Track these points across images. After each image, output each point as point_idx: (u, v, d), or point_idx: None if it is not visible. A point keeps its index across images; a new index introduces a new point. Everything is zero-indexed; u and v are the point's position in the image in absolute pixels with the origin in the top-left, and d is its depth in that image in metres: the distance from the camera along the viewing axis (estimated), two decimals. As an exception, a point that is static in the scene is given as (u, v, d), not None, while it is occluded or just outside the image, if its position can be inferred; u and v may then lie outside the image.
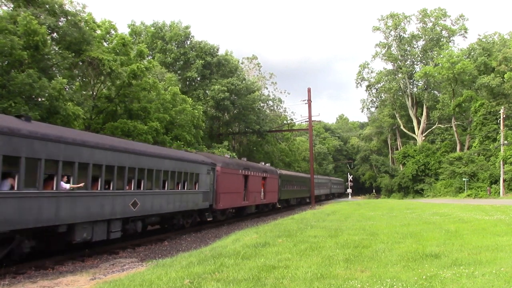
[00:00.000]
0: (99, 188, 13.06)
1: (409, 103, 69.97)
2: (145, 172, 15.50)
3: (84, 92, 25.93)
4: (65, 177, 11.66)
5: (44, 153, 10.82)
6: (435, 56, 64.15)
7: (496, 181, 50.32)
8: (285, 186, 36.95)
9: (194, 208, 19.88)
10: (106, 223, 13.61)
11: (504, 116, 50.20)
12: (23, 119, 11.07)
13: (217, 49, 47.55)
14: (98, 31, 26.46)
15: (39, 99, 18.31)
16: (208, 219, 22.25)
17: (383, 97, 76.12)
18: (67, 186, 11.65)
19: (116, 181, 13.84)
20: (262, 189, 30.39)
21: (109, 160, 13.46)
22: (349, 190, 70.68)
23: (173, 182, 17.74)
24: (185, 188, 18.87)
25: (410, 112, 70.63)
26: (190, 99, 36.10)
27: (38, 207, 10.70)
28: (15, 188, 10.08)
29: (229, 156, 28.53)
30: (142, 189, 15.34)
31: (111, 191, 13.65)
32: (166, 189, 17.13)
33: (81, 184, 12.09)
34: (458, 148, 61.80)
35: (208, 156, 23.15)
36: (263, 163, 35.78)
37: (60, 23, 21.48)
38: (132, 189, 14.77)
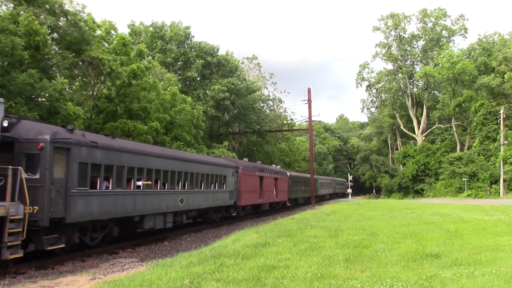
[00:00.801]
0: (159, 188, 16.71)
1: (409, 103, 69.97)
2: (188, 175, 19.16)
3: (84, 92, 25.92)
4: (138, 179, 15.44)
5: (127, 162, 14.65)
6: (435, 56, 64.15)
7: (496, 181, 50.33)
8: (294, 186, 39.77)
9: (222, 204, 23.36)
10: (163, 215, 17.26)
11: (504, 116, 50.21)
12: (111, 137, 14.94)
13: (217, 49, 47.56)
14: (98, 31, 26.46)
15: (39, 99, 18.31)
16: (233, 214, 25.61)
17: (383, 97, 76.12)
18: (140, 183, 15.41)
19: (170, 182, 17.55)
20: (274, 189, 33.34)
21: (166, 166, 17.25)
22: (349, 190, 70.70)
23: (207, 183, 21.32)
24: (216, 188, 22.46)
25: (410, 112, 70.64)
26: (190, 98, 36.10)
27: (123, 202, 14.44)
28: (110, 188, 13.76)
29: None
30: (186, 188, 18.95)
31: (167, 190, 17.29)
32: (203, 188, 20.75)
33: (149, 182, 15.82)
34: (458, 148, 61.81)
35: (232, 161, 27.30)
36: (274, 165, 39.92)
37: (60, 23, 21.48)
38: (180, 188, 18.39)
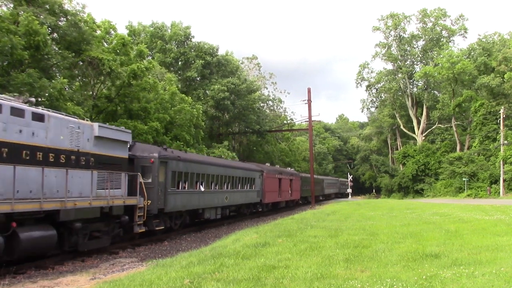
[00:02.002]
0: (213, 188, 22.07)
1: (409, 103, 69.97)
2: (230, 178, 24.53)
3: (84, 92, 25.93)
4: (199, 182, 20.61)
5: (195, 170, 19.93)
6: (435, 56, 64.14)
7: (496, 181, 50.32)
8: (305, 186, 44.29)
9: (251, 201, 28.69)
10: (215, 209, 22.61)
11: (504, 116, 50.21)
12: (184, 152, 21.30)
13: (217, 49, 47.54)
14: (98, 31, 26.44)
15: (39, 99, 18.32)
16: (259, 210, 31.05)
17: (383, 97, 76.11)
18: (202, 188, 20.65)
19: (219, 184, 22.93)
20: (290, 188, 38.13)
21: (217, 172, 22.65)
22: (349, 190, 70.71)
23: (242, 184, 26.61)
24: (248, 188, 27.72)
25: (410, 112, 70.63)
26: (190, 98, 36.11)
27: (193, 198, 19.86)
28: (186, 188, 19.09)
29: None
30: (229, 189, 24.32)
31: (218, 190, 22.66)
32: (239, 188, 25.99)
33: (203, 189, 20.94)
34: (458, 148, 61.81)
35: (258, 166, 32.27)
36: (289, 169, 45.04)
37: (60, 23, 21.47)
38: (225, 189, 23.77)
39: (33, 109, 11.20)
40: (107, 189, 13.39)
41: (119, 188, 14.22)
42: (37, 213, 10.64)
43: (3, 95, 11.16)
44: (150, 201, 15.77)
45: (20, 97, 11.75)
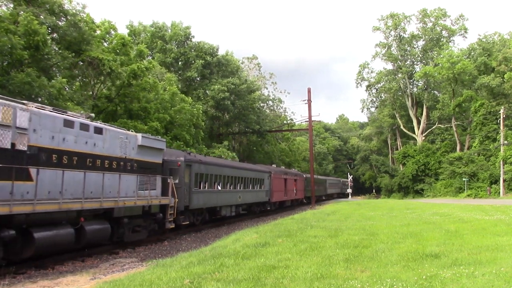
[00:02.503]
0: (228, 188, 24.30)
1: (409, 103, 69.95)
2: (243, 179, 26.75)
3: (84, 92, 25.93)
4: (217, 183, 22.95)
5: (213, 171, 22.26)
6: (435, 56, 64.12)
7: (496, 181, 50.31)
8: (308, 186, 45.44)
9: (261, 200, 31.05)
10: (230, 207, 25.00)
11: (504, 116, 50.20)
12: (204, 156, 24.25)
13: (217, 49, 47.52)
14: (98, 31, 26.42)
15: (39, 99, 18.31)
16: (268, 208, 33.47)
17: (383, 97, 76.08)
18: (219, 188, 23.03)
19: (234, 184, 25.19)
20: (295, 188, 40.17)
21: (232, 173, 24.96)
22: (349, 190, 70.74)
23: (253, 184, 28.89)
24: (258, 188, 29.96)
25: (410, 112, 70.62)
26: (190, 98, 36.10)
27: (212, 197, 22.19)
28: (206, 188, 21.34)
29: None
30: (241, 189, 26.55)
31: (232, 190, 24.90)
32: (250, 188, 28.18)
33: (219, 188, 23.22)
34: (458, 148, 61.79)
35: (267, 167, 35.11)
36: (294, 169, 48.00)
37: (60, 23, 21.46)
38: (238, 189, 26.00)
39: (95, 123, 13.39)
40: (146, 190, 15.67)
41: (155, 189, 16.44)
42: (98, 210, 13.04)
43: (71, 112, 13.39)
44: (177, 200, 17.87)
45: (83, 113, 14.18)
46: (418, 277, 7.33)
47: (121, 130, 14.99)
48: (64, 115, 12.20)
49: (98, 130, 13.29)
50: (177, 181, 18.21)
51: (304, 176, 45.51)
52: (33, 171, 10.63)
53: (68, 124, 12.02)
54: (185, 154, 20.11)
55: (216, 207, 23.02)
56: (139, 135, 15.79)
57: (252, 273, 8.01)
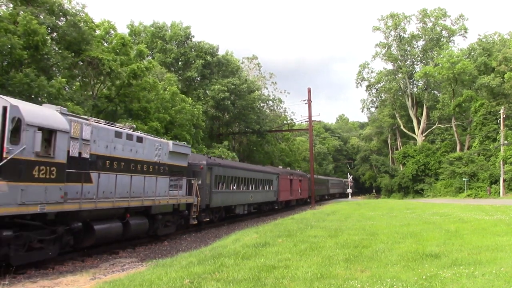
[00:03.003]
0: (241, 189, 26.74)
1: (409, 103, 69.93)
2: (254, 180, 29.13)
3: (84, 92, 25.92)
4: (232, 184, 25.34)
5: (229, 173, 24.65)
6: (435, 56, 64.09)
7: (496, 181, 50.29)
8: (311, 185, 48.46)
9: (269, 200, 33.38)
10: (243, 206, 27.36)
11: (504, 116, 50.18)
12: (222, 158, 29.92)
13: (217, 49, 47.49)
14: (98, 31, 26.39)
15: (39, 99, 18.30)
16: (276, 207, 35.79)
17: (383, 97, 76.06)
18: (234, 188, 25.49)
19: (246, 185, 27.61)
20: (300, 188, 42.61)
21: (245, 175, 27.37)
22: (349, 190, 70.76)
23: (263, 185, 31.33)
24: (267, 189, 32.37)
25: (410, 112, 70.60)
26: (190, 98, 36.09)
27: (229, 196, 24.68)
28: (223, 189, 23.79)
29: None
30: (253, 189, 28.96)
31: (245, 190, 27.43)
32: (259, 189, 30.49)
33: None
34: (458, 148, 61.77)
35: (275, 169, 37.77)
36: (299, 170, 50.97)
37: (59, 23, 21.44)
38: (250, 189, 28.41)
39: (137, 133, 15.87)
40: (175, 190, 17.99)
41: (181, 190, 18.73)
42: (140, 208, 15.29)
43: (118, 124, 15.76)
44: (200, 199, 20.04)
45: (127, 125, 17.03)
46: (418, 277, 7.33)
47: (156, 138, 17.45)
48: (114, 127, 14.43)
49: (139, 139, 15.66)
50: (199, 182, 20.58)
51: (308, 176, 47.47)
52: (93, 175, 12.90)
53: (118, 135, 14.32)
54: (206, 158, 22.87)
55: (232, 205, 25.53)
56: (170, 143, 18.09)
57: (252, 273, 8.01)
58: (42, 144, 10.55)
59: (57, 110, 11.87)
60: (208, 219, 22.29)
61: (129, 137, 14.98)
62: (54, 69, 21.47)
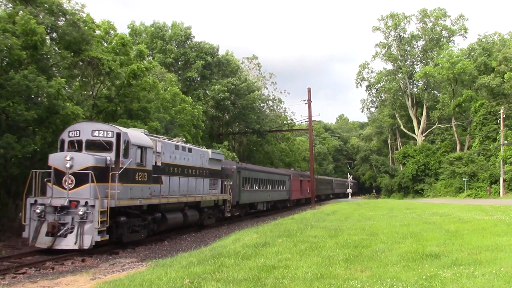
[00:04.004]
0: (262, 188, 31.21)
1: (409, 103, 69.91)
2: (271, 181, 33.65)
3: (84, 92, 25.86)
4: (255, 184, 30.11)
5: (252, 175, 29.19)
6: (435, 56, 64.05)
7: (496, 181, 50.28)
8: (318, 186, 52.71)
9: (282, 198, 37.75)
10: (263, 203, 32.13)
11: (504, 116, 50.16)
12: (245, 163, 33.61)
13: (217, 49, 47.45)
14: (98, 31, 26.33)
15: (39, 99, 18.26)
16: (288, 205, 40.18)
17: (383, 97, 76.01)
18: (257, 188, 29.95)
19: (265, 185, 32.08)
20: (308, 188, 45.77)
21: (264, 176, 31.89)
22: (349, 190, 70.75)
23: (278, 185, 35.82)
24: (281, 189, 36.74)
25: (410, 112, 70.58)
26: (190, 98, 36.05)
27: (252, 195, 29.29)
28: (248, 188, 28.26)
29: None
30: (270, 189, 33.43)
31: (265, 190, 31.96)
32: (275, 189, 35.01)
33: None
34: (458, 148, 61.77)
35: (287, 171, 42.01)
36: (307, 172, 53.91)
37: (59, 22, 21.38)
38: (268, 189, 32.99)
39: (188, 145, 20.44)
40: (214, 189, 22.25)
41: (217, 189, 22.91)
42: (193, 202, 19.89)
43: (175, 139, 20.24)
44: (231, 196, 24.43)
45: (181, 139, 21.37)
46: (418, 277, 7.33)
47: (200, 148, 22.15)
48: (174, 142, 18.95)
49: (189, 150, 20.00)
50: (231, 183, 24.72)
51: (315, 177, 51.43)
52: (164, 178, 17.06)
53: (176, 147, 18.73)
54: (235, 163, 27.85)
55: (255, 202, 30.42)
56: (210, 151, 22.50)
57: (252, 273, 8.01)
58: (139, 157, 15.06)
59: (142, 132, 16.54)
60: (237, 214, 27.61)
61: (183, 148, 19.36)
62: (53, 69, 21.40)
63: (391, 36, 70.39)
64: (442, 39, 67.21)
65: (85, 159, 13.52)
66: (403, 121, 73.49)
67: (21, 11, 18.88)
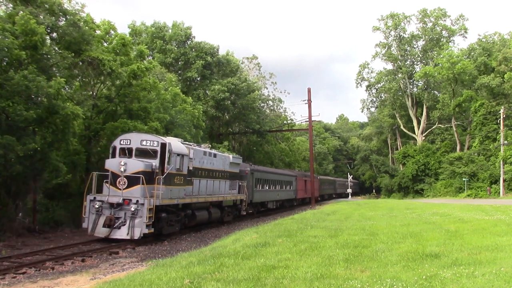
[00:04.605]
0: (272, 188, 33.71)
1: (409, 103, 69.89)
2: (280, 182, 36.09)
3: (84, 92, 25.86)
4: (266, 184, 32.52)
5: (263, 176, 31.75)
6: (435, 56, 64.03)
7: (496, 181, 50.26)
8: (322, 186, 56.41)
9: (290, 198, 40.32)
10: (272, 202, 34.73)
11: (504, 116, 50.15)
12: (257, 165, 35.20)
13: (217, 49, 47.42)
14: (98, 31, 26.32)
15: (38, 98, 18.24)
16: (294, 204, 42.70)
17: (383, 97, 75.98)
18: (267, 188, 32.78)
19: (275, 185, 34.53)
20: (312, 188, 48.38)
21: (273, 177, 34.18)
22: (349, 190, 70.74)
23: (286, 185, 38.23)
24: (288, 188, 39.26)
25: (410, 112, 70.57)
26: (190, 98, 36.02)
27: (264, 194, 32.00)
28: (260, 189, 30.92)
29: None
30: (279, 189, 35.97)
31: (274, 189, 34.42)
32: (283, 189, 37.47)
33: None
34: (458, 148, 61.75)
35: (294, 172, 44.75)
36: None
37: (59, 22, 21.37)
38: (277, 189, 35.46)
39: (213, 151, 22.94)
40: (233, 190, 25.00)
41: (235, 189, 25.48)
42: (216, 202, 22.40)
43: (203, 145, 23.44)
44: (246, 196, 26.83)
45: (207, 145, 24.01)
46: (418, 277, 7.33)
47: (222, 154, 24.65)
48: (202, 148, 21.40)
49: (214, 155, 22.48)
50: (245, 183, 27.03)
51: (319, 178, 55.52)
52: (194, 180, 19.63)
53: (204, 153, 21.11)
54: (249, 165, 30.05)
55: (266, 201, 32.96)
56: (231, 156, 25.41)
57: (252, 273, 8.01)
58: (178, 163, 17.69)
59: (179, 141, 18.98)
60: (251, 211, 29.95)
61: (209, 154, 21.79)
62: (53, 69, 21.39)
63: (391, 36, 70.40)
64: (442, 39, 67.18)
65: (136, 165, 16.08)
66: (403, 121, 73.47)
67: (21, 11, 18.85)
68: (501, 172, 48.36)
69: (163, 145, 16.75)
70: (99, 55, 22.52)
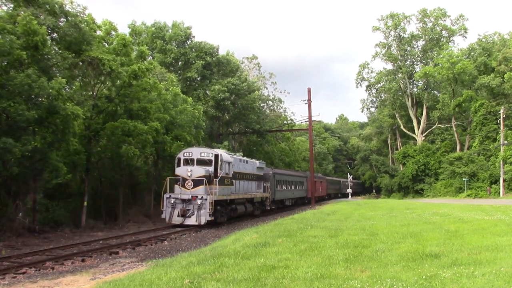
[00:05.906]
0: (288, 188, 39.25)
1: (409, 103, 69.88)
2: (294, 182, 40.97)
3: (84, 93, 25.86)
4: (284, 184, 38.15)
5: (282, 178, 37.41)
6: (435, 56, 64.00)
7: (496, 181, 50.26)
8: (329, 186, 61.08)
9: (302, 196, 44.61)
10: (289, 200, 39.95)
11: (504, 116, 50.15)
12: (275, 168, 40.54)
13: (217, 49, 47.40)
14: (99, 32, 26.32)
15: (40, 99, 18.25)
16: (306, 202, 45.72)
17: (383, 97, 75.96)
18: (285, 187, 38.23)
19: (290, 185, 39.71)
20: (320, 188, 52.60)
21: (289, 178, 39.94)
22: (349, 190, 70.72)
23: (299, 185, 43.02)
24: (301, 188, 43.78)
25: (410, 112, 70.56)
26: (190, 98, 36.00)
27: (283, 193, 37.41)
28: (279, 188, 36.28)
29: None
30: (294, 188, 40.87)
31: (290, 189, 39.67)
32: (297, 188, 42.16)
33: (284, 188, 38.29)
34: (458, 148, 61.74)
35: (305, 173, 49.19)
36: (319, 174, 61.64)
37: (60, 23, 21.38)
38: (292, 188, 40.37)
39: (245, 158, 28.13)
40: (259, 189, 29.71)
41: (261, 189, 30.11)
42: (250, 199, 27.69)
43: (238, 153, 29.26)
44: (269, 194, 31.41)
45: (240, 154, 29.42)
46: (418, 277, 7.34)
47: (251, 160, 29.54)
48: (238, 157, 26.70)
49: (246, 161, 27.58)
50: (269, 184, 31.59)
51: (326, 178, 60.59)
52: (235, 182, 24.70)
53: (240, 160, 26.38)
54: (271, 169, 35.01)
55: (284, 199, 37.66)
56: (257, 162, 30.32)
57: (252, 273, 8.01)
58: (227, 169, 23.08)
59: (225, 152, 24.95)
60: (274, 207, 34.94)
61: (243, 161, 27.06)
62: (54, 69, 21.40)
63: (391, 36, 70.38)
64: (442, 39, 67.15)
65: (199, 171, 21.77)
66: (403, 121, 73.46)
67: (22, 12, 18.86)
68: (501, 172, 48.36)
69: (216, 156, 22.35)
70: (99, 54, 22.52)
